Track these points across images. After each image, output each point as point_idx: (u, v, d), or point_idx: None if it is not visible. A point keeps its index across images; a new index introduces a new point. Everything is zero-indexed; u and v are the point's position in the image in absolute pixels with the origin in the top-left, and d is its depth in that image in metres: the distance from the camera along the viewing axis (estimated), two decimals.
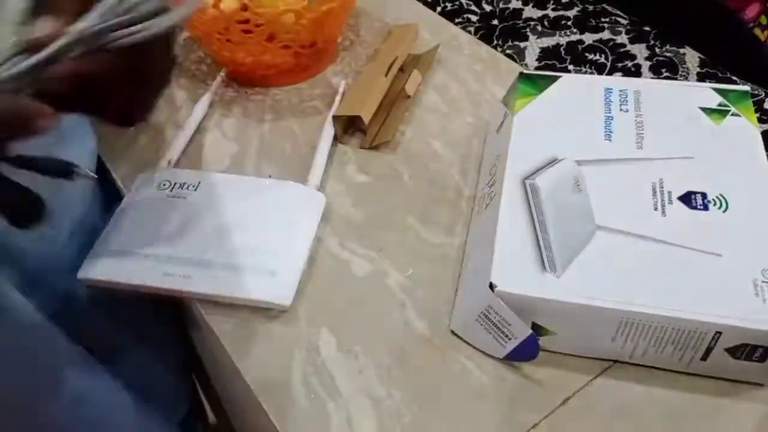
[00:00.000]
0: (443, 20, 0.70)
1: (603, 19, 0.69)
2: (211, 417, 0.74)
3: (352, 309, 0.43)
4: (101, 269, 0.43)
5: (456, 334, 0.41)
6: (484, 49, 0.65)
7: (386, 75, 0.57)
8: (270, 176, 0.51)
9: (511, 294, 0.36)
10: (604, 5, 0.71)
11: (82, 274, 0.43)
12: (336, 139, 0.54)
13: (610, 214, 0.39)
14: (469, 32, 0.68)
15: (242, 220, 0.45)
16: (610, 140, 0.44)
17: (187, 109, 0.59)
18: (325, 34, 0.59)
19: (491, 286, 0.36)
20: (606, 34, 0.67)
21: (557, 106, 0.47)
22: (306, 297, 0.43)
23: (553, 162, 0.42)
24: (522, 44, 0.67)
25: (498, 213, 0.40)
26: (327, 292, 0.44)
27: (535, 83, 0.49)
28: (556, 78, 0.49)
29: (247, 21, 0.53)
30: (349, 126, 0.56)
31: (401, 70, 0.60)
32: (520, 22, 0.70)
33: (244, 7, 0.52)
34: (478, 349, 0.40)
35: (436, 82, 0.61)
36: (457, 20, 0.71)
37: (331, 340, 0.42)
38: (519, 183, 0.41)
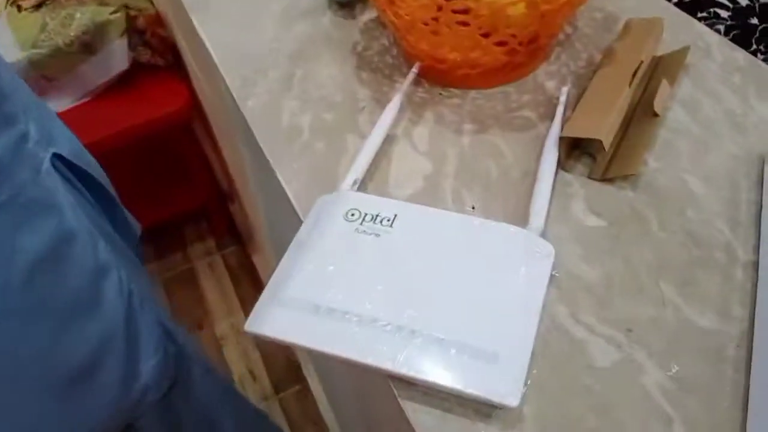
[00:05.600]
0: (683, 15, 0.54)
1: None
2: None
3: (594, 418, 0.31)
4: (274, 324, 0.35)
5: None
6: (742, 55, 0.49)
7: (629, 85, 0.44)
8: (473, 208, 0.41)
9: None
10: None
11: (250, 327, 0.35)
12: (559, 164, 0.43)
13: None
14: (718, 32, 0.53)
15: (450, 275, 0.35)
16: None
17: (370, 111, 0.50)
18: (551, 29, 0.47)
19: None
20: None
21: None
22: (532, 394, 0.32)
23: None
24: None
25: None
26: (559, 387, 0.32)
27: None
28: None
29: (465, 11, 0.43)
30: (572, 147, 0.44)
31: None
32: None
33: None
34: None
35: (682, 95, 0.47)
36: (700, 15, 0.55)
37: None
38: None
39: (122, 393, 0.51)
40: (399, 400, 0.32)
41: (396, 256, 0.36)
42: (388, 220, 0.38)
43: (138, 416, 0.55)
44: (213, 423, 0.66)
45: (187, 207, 1.48)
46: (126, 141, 1.17)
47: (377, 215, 0.38)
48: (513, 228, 0.37)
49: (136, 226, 0.65)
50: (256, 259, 1.46)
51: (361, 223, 0.38)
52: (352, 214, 0.38)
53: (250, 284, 1.45)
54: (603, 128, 0.41)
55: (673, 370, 0.32)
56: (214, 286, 1.48)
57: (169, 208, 1.46)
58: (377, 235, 0.37)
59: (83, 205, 0.52)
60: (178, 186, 1.46)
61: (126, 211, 0.63)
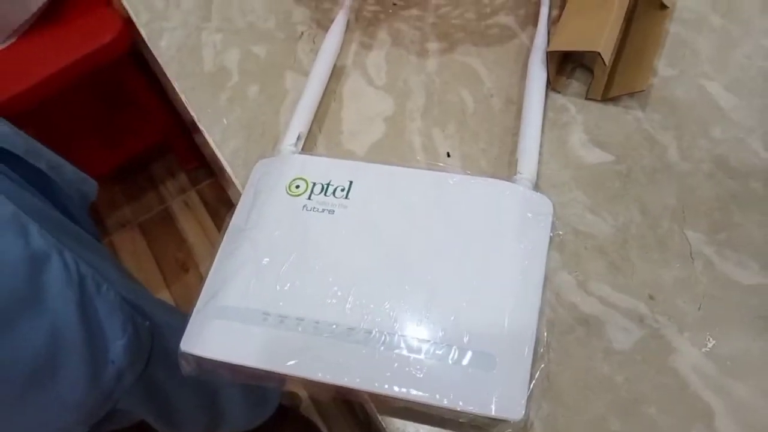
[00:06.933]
0: None
1: None
2: None
3: (617, 420, 0.25)
4: (211, 342, 0.27)
5: None
6: None
7: None
8: (448, 155, 0.33)
9: None
10: None
11: (185, 346, 0.28)
12: (548, 85, 0.34)
13: None
14: None
15: (425, 258, 0.28)
16: None
17: (312, 37, 0.40)
18: None
19: None
20: None
21: None
22: (540, 396, 0.26)
23: None
24: None
25: None
26: (572, 382, 0.26)
27: None
28: None
29: None
30: (563, 62, 0.36)
31: None
32: None
33: None
34: None
35: None
36: None
37: None
38: None
39: (91, 385, 0.46)
40: (378, 416, 0.27)
41: (356, 239, 0.28)
42: (342, 190, 0.30)
43: (116, 400, 0.50)
44: (212, 390, 0.62)
45: (147, 142, 1.38)
46: (65, 83, 1.06)
47: (328, 185, 0.30)
48: (498, 183, 0.29)
49: (90, 187, 0.57)
50: (232, 194, 1.39)
51: (309, 198, 0.30)
52: (297, 186, 0.30)
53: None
54: (600, 36, 0.32)
55: (709, 345, 0.26)
56: (194, 225, 1.41)
57: (129, 147, 1.36)
58: (331, 212, 0.29)
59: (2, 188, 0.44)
60: (135, 121, 1.36)
61: (73, 173, 0.54)
